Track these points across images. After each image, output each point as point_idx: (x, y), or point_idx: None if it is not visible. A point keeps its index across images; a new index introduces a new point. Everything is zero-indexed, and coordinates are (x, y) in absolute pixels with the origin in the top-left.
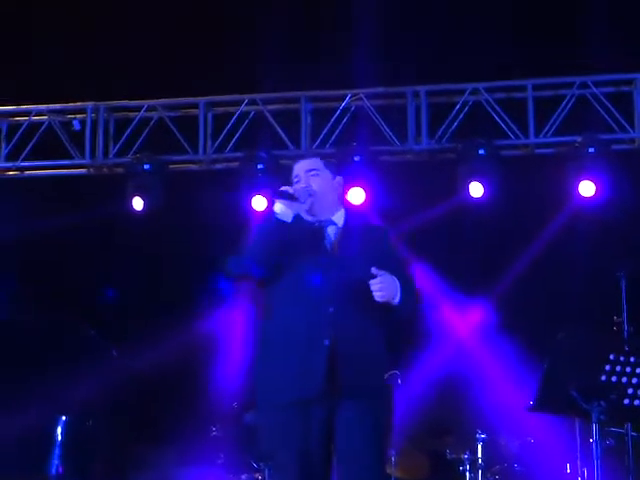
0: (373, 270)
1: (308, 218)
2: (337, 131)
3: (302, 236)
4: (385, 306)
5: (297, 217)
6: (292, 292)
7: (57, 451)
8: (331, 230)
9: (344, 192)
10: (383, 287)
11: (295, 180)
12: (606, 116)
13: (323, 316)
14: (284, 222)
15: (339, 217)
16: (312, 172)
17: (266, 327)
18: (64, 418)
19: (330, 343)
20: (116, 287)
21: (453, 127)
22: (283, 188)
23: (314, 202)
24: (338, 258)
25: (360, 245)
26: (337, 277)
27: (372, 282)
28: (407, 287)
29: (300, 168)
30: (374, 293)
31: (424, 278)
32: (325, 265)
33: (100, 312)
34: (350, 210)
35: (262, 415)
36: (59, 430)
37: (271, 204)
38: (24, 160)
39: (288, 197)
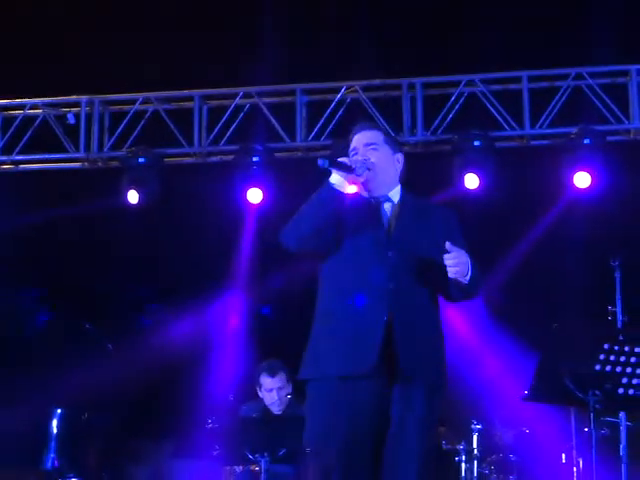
0: (447, 245)
1: (363, 193)
2: (332, 123)
3: (358, 211)
4: (448, 284)
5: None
6: (350, 268)
7: (53, 444)
8: (387, 206)
9: (404, 169)
10: (458, 262)
11: (352, 153)
12: (601, 107)
13: (382, 292)
14: (341, 193)
15: (395, 193)
16: (371, 146)
17: (324, 301)
18: (60, 411)
19: (388, 319)
20: (112, 279)
21: (448, 119)
22: (340, 159)
23: (370, 177)
24: (395, 235)
25: (418, 222)
26: (396, 254)
27: (447, 257)
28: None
29: (359, 141)
30: (448, 268)
31: None
32: (383, 242)
33: (96, 305)
34: (407, 187)
35: (312, 387)
36: (55, 423)
37: (327, 175)
38: (19, 154)
39: (344, 168)
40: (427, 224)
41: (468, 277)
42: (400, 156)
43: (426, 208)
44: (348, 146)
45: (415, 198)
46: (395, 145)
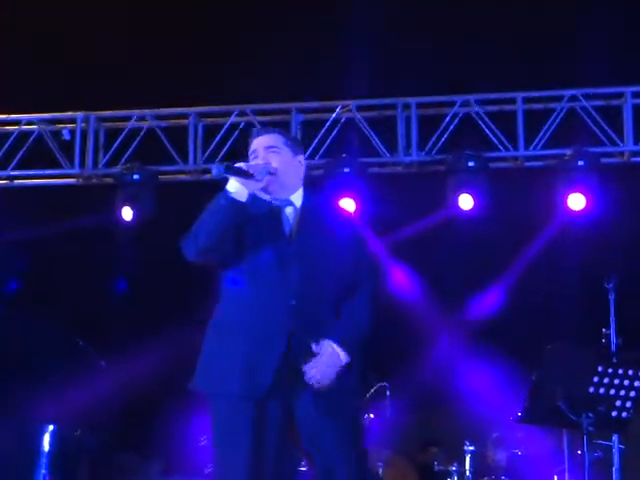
0: (314, 347)
1: (265, 197)
2: (327, 142)
3: (259, 218)
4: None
5: (253, 196)
6: (250, 279)
7: (44, 461)
8: (289, 211)
9: (305, 172)
10: (320, 377)
11: (252, 156)
12: (596, 129)
13: (283, 309)
14: (239, 202)
15: (297, 197)
16: (272, 149)
17: (222, 312)
18: (52, 428)
19: (289, 337)
20: (105, 296)
21: (443, 139)
22: (238, 164)
23: (272, 180)
24: (298, 244)
25: (320, 230)
26: (297, 267)
27: (308, 370)
28: (362, 306)
29: (259, 144)
30: (311, 382)
31: (412, 289)
32: (284, 253)
33: (89, 321)
34: (309, 190)
35: (213, 404)
36: (46, 440)
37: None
38: (14, 169)
39: (243, 174)
40: (329, 231)
41: (345, 358)
42: (302, 158)
43: (328, 213)
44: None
45: (317, 202)
46: (296, 147)
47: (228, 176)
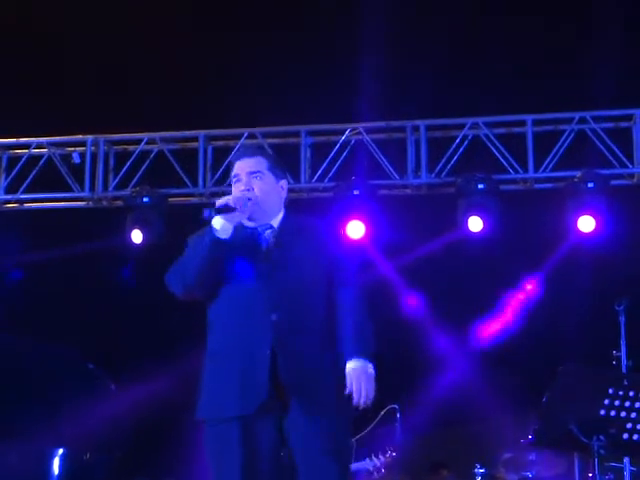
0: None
1: (248, 224)
2: (336, 165)
3: (239, 244)
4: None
5: (237, 226)
6: (232, 302)
7: None
8: (267, 233)
9: (287, 196)
10: (369, 396)
11: (235, 180)
12: (605, 151)
13: (265, 325)
14: (223, 240)
15: (277, 220)
16: (255, 174)
17: (210, 340)
18: (62, 451)
19: (272, 353)
20: (116, 319)
21: (452, 161)
22: (221, 201)
23: (254, 208)
24: (276, 262)
25: (298, 245)
26: (277, 282)
27: (356, 395)
28: (358, 309)
29: (242, 168)
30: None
31: (422, 312)
32: (263, 270)
33: (100, 344)
34: (289, 210)
35: (206, 428)
36: (56, 463)
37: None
38: (24, 192)
39: (227, 210)
40: (307, 244)
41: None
42: (284, 182)
43: (304, 228)
44: None
45: (295, 220)
46: (279, 172)
47: (214, 215)
